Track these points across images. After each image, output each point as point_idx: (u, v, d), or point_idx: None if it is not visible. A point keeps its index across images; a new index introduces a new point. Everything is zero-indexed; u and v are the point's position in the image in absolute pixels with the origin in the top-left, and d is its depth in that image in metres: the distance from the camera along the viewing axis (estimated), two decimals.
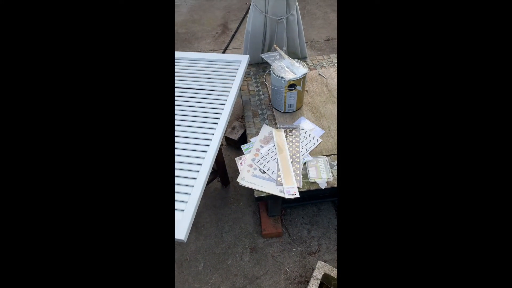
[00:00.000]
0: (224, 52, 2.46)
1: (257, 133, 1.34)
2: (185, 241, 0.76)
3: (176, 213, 0.81)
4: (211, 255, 1.31)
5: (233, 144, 1.75)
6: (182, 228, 0.77)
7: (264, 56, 1.38)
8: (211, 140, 1.01)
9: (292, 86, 1.27)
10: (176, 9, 3.08)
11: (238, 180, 1.12)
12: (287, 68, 1.30)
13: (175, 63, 1.35)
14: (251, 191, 1.53)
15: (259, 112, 1.45)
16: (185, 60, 1.36)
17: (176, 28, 2.82)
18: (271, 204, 1.29)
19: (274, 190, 1.09)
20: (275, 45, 1.45)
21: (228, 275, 1.24)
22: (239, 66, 1.30)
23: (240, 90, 1.55)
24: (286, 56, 1.36)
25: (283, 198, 1.10)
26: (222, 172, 1.50)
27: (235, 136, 1.72)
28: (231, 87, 1.20)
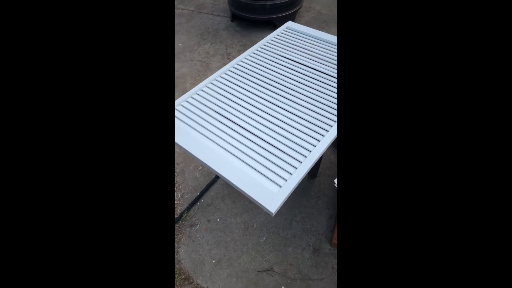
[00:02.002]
0: None
1: None
2: (273, 215, 0.78)
3: (274, 186, 0.83)
4: (275, 234, 1.34)
5: (334, 142, 1.67)
6: (275, 202, 0.78)
7: None
8: (328, 131, 0.96)
9: None
10: None
11: (335, 181, 1.06)
12: None
13: (312, 42, 1.32)
14: (335, 194, 1.46)
15: None
16: (323, 42, 1.32)
17: (319, 8, 2.75)
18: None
19: None
20: None
21: (283, 260, 1.25)
22: None
23: None
24: None
25: None
26: (315, 164, 1.46)
27: None
28: None
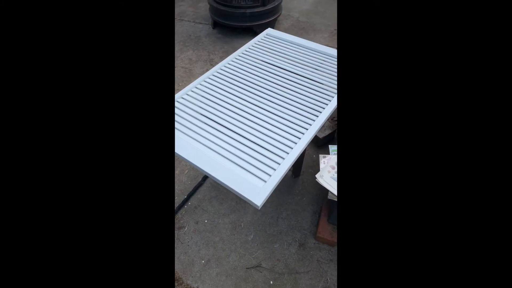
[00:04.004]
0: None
1: None
2: (260, 207, 0.83)
3: (259, 181, 0.88)
4: (262, 232, 1.38)
5: (316, 141, 1.75)
6: (260, 196, 0.83)
7: None
8: (307, 129, 1.03)
9: None
10: None
11: (317, 176, 1.13)
12: None
13: (291, 47, 1.40)
14: (318, 191, 1.53)
15: None
16: (301, 47, 1.40)
17: (297, 15, 2.87)
18: (337, 213, 1.26)
19: None
20: None
21: (271, 256, 1.30)
22: None
23: None
24: None
25: None
26: (298, 163, 1.53)
27: (321, 134, 1.71)
28: None
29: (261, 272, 1.25)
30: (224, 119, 1.06)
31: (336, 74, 1.25)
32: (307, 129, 1.03)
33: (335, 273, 1.24)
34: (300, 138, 1.00)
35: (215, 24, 2.69)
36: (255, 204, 0.82)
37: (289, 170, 1.61)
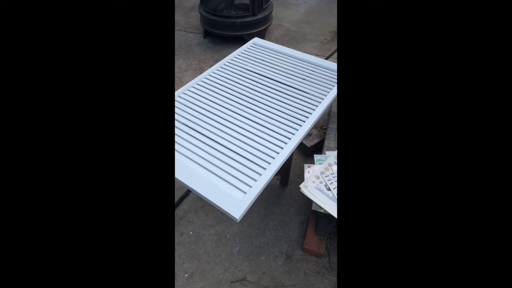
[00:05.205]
0: (327, 59, 2.43)
1: (335, 148, 1.30)
2: (238, 220, 0.80)
3: (238, 193, 0.85)
4: (248, 244, 1.34)
5: (304, 150, 1.73)
6: (239, 207, 0.81)
7: None
8: (290, 139, 1.02)
9: None
10: (294, 8, 3.17)
11: (301, 186, 1.11)
12: None
13: (277, 56, 1.40)
14: (306, 201, 1.50)
15: None
16: (287, 56, 1.40)
17: (288, 25, 2.91)
18: (323, 223, 1.24)
19: (333, 211, 1.05)
20: None
21: (257, 269, 1.26)
22: None
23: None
24: None
25: (336, 222, 1.04)
26: (285, 172, 1.51)
27: (309, 143, 1.70)
28: (326, 95, 1.18)
29: (246, 286, 1.21)
30: (206, 129, 1.04)
31: (322, 84, 1.25)
32: (290, 139, 1.01)
33: (322, 285, 1.21)
34: (282, 148, 0.98)
35: (206, 34, 2.70)
36: (234, 217, 0.79)
37: (277, 179, 1.59)
